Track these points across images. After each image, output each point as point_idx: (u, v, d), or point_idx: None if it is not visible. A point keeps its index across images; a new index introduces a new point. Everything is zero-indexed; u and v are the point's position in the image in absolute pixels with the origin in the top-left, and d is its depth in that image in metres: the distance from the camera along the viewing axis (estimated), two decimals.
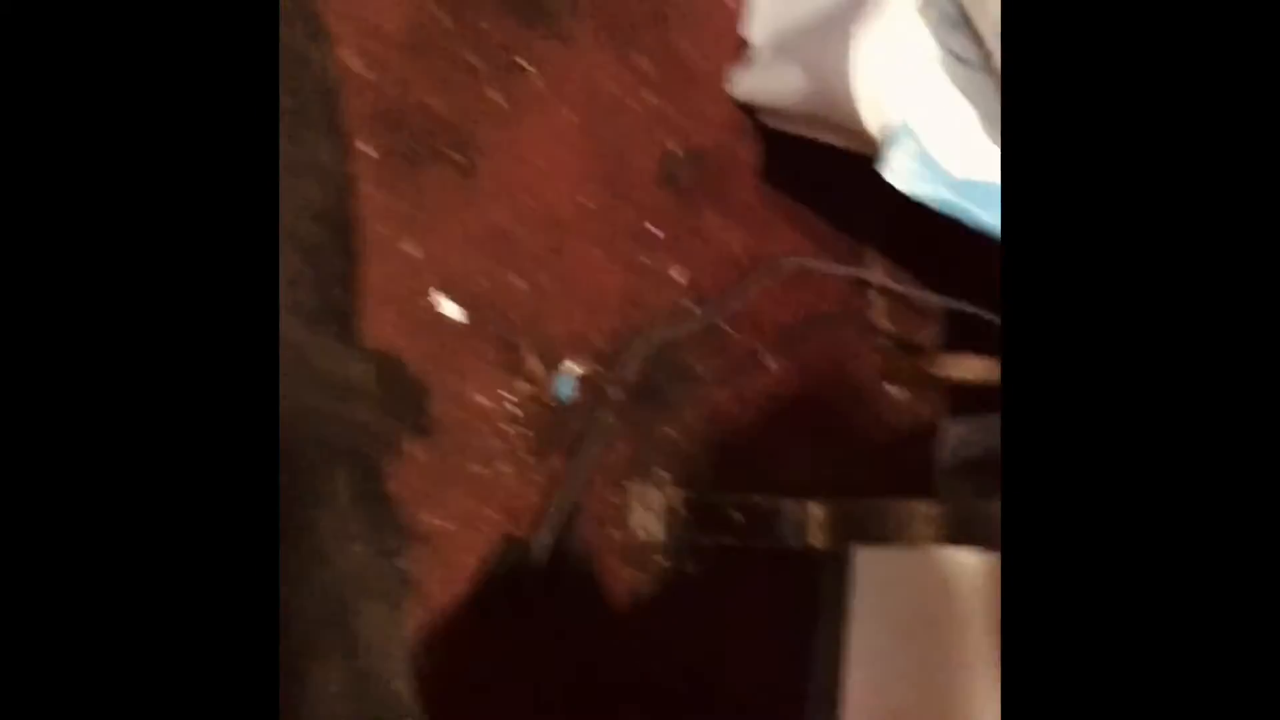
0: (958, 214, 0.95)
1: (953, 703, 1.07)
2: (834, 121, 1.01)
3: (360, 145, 0.77)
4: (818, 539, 1.00)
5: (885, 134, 0.95)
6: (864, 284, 1.21)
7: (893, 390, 1.24)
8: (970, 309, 1.24)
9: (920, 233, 1.11)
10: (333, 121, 0.61)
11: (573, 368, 0.92)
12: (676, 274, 1.01)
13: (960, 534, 0.94)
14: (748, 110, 1.08)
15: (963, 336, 1.26)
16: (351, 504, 0.60)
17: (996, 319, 1.21)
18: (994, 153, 0.97)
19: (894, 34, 0.97)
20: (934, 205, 0.95)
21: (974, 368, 1.23)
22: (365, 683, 0.56)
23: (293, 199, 0.59)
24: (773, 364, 1.09)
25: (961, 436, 1.29)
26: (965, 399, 1.29)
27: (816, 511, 0.99)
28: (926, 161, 0.95)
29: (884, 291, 1.22)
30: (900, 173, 0.94)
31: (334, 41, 0.73)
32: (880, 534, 1.01)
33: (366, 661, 0.57)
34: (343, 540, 0.59)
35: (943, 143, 0.96)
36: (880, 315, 1.24)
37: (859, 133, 0.98)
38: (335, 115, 0.61)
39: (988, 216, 0.95)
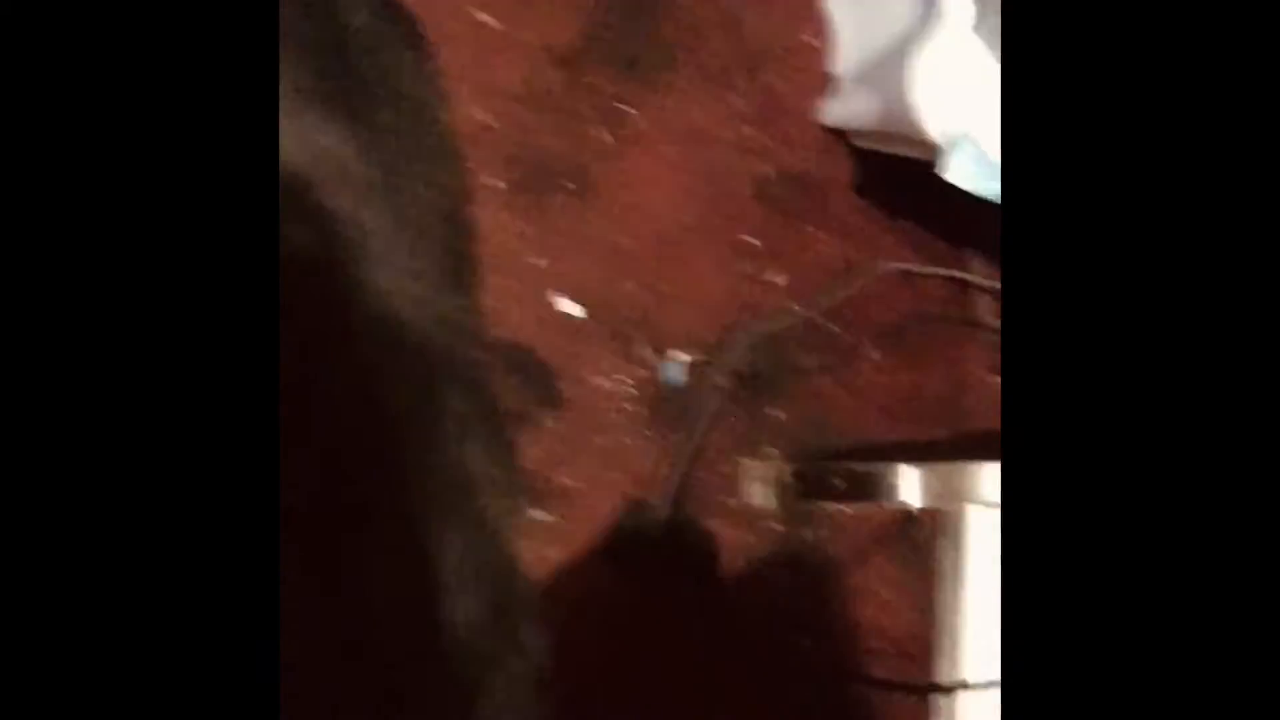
0: None
1: None
2: (907, 136, 1.16)
3: (488, 180, 0.98)
4: (915, 499, 1.13)
5: (945, 141, 1.09)
6: (967, 284, 1.33)
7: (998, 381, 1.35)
8: None
9: None
10: (454, 160, 0.80)
11: (681, 356, 1.10)
12: (777, 279, 1.17)
13: None
14: (838, 135, 1.23)
15: None
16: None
17: None
18: None
19: (951, 51, 1.11)
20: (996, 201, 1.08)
21: None
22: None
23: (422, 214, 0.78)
24: (875, 354, 1.23)
25: None
26: None
27: (911, 474, 1.12)
28: (983, 162, 1.09)
29: (987, 289, 1.34)
30: (960, 174, 1.08)
31: (461, 100, 0.94)
32: (974, 495, 1.13)
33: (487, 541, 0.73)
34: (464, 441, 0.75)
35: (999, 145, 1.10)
36: (985, 312, 1.35)
37: (929, 144, 1.13)
38: (458, 156, 0.79)
39: None
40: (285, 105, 0.66)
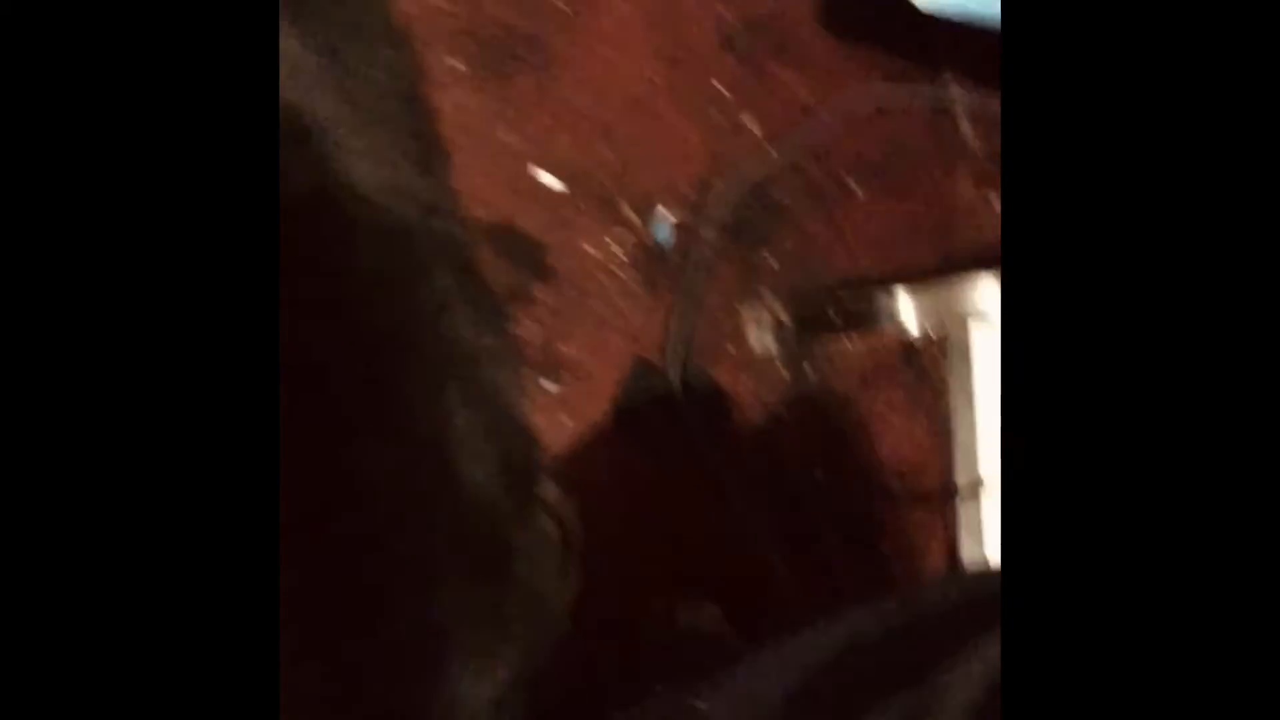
0: (987, 22, 1.07)
1: None
2: None
3: (449, 61, 0.98)
4: (914, 323, 1.15)
5: None
6: (948, 109, 1.33)
7: (995, 199, 1.35)
8: None
9: (992, 48, 1.22)
10: (402, 40, 0.79)
11: (666, 214, 1.10)
12: (751, 124, 1.17)
13: None
14: None
15: None
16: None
17: None
18: None
19: None
20: (960, 18, 1.07)
21: None
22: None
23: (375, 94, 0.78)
24: (860, 191, 1.23)
25: None
26: None
27: (905, 298, 1.14)
28: None
29: (969, 112, 1.33)
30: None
31: None
32: (972, 312, 1.15)
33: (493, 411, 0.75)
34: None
35: None
36: (970, 135, 1.35)
37: None
38: (405, 35, 0.79)
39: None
40: None
